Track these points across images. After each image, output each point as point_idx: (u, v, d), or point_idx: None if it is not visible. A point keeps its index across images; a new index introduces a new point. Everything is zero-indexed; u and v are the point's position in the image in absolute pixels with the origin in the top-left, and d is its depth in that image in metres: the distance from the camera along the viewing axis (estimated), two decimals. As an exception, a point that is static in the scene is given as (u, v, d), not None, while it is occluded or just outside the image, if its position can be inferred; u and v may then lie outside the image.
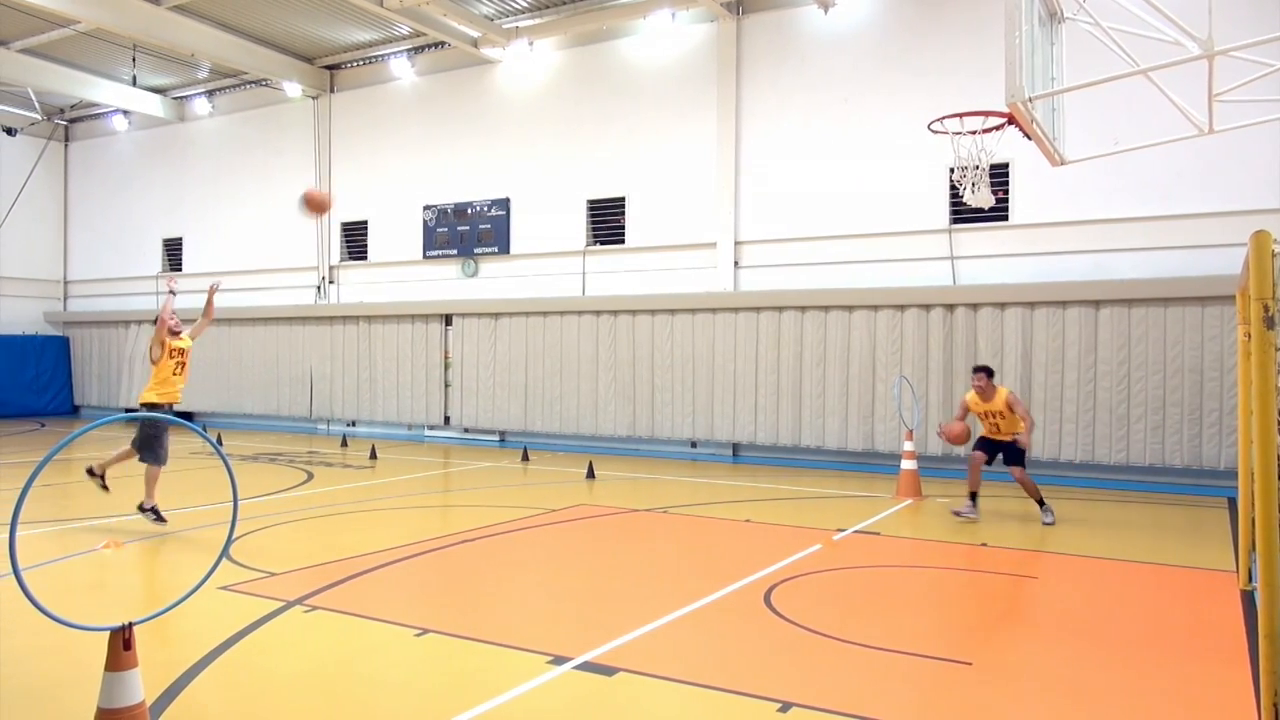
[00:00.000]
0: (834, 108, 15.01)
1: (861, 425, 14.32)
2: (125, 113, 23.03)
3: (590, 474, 13.07)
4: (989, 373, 9.89)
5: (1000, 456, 9.81)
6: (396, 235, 19.56)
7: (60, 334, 24.43)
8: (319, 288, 20.53)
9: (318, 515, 9.97)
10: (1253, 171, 12.14)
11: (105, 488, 9.21)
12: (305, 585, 6.75)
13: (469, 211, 18.53)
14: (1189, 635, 5.86)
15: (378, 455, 15.58)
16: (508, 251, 18.12)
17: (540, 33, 17.24)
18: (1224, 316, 12.05)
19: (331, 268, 20.50)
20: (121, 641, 3.78)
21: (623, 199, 16.96)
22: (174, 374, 9.03)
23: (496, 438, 18.15)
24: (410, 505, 10.82)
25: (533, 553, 8.31)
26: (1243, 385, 7.45)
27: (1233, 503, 10.74)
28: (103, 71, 20.97)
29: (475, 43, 17.70)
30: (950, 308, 13.81)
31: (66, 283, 25.12)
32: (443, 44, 18.16)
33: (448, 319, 18.58)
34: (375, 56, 19.58)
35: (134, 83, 21.27)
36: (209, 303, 9.49)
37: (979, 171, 9.52)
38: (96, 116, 23.85)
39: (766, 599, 6.50)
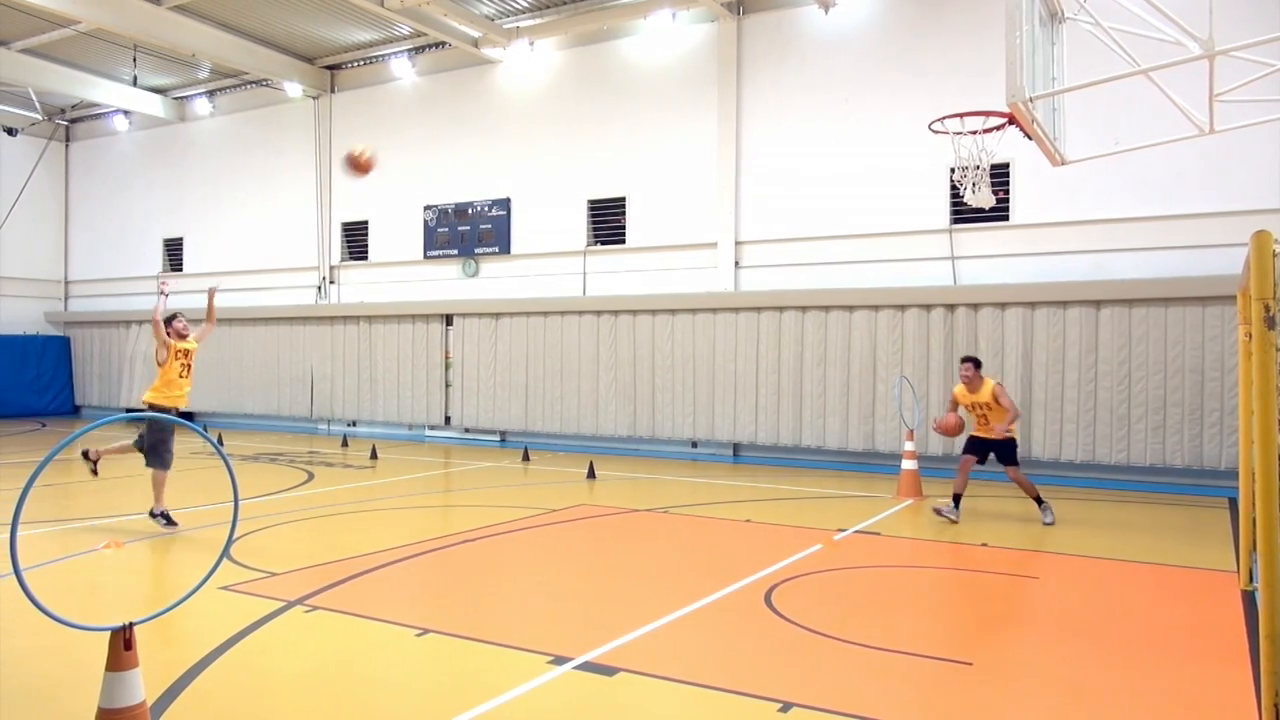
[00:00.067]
0: (834, 107, 15.01)
1: (862, 425, 14.31)
2: (126, 113, 23.03)
3: (591, 474, 13.07)
4: (976, 364, 9.86)
5: (993, 457, 9.78)
6: (397, 235, 19.56)
7: (61, 334, 24.44)
8: (320, 288, 20.54)
9: (318, 515, 9.97)
10: (1253, 171, 12.13)
11: (95, 472, 9.28)
12: (306, 585, 6.75)
13: (470, 211, 18.53)
14: (1190, 635, 5.86)
15: (378, 455, 15.58)
16: (508, 251, 18.12)
17: (541, 33, 17.24)
18: (1225, 316, 12.04)
19: (332, 268, 20.51)
20: (122, 641, 3.78)
21: (623, 199, 16.96)
22: (180, 376, 9.02)
23: (497, 438, 18.15)
24: (411, 505, 10.82)
25: (533, 553, 8.31)
26: (1243, 385, 7.45)
27: (1233, 503, 10.74)
28: (103, 72, 20.98)
29: (476, 43, 17.70)
30: (951, 308, 13.80)
31: (67, 283, 25.13)
32: (443, 44, 18.16)
33: (448, 319, 18.59)
34: (376, 56, 19.59)
35: (135, 83, 21.28)
36: (210, 306, 9.50)
37: (980, 171, 9.52)
38: (97, 116, 23.86)
39: (767, 599, 6.50)
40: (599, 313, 16.68)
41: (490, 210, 18.29)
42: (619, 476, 13.23)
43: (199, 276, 22.47)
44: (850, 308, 14.48)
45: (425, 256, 19.14)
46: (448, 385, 18.57)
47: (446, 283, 18.94)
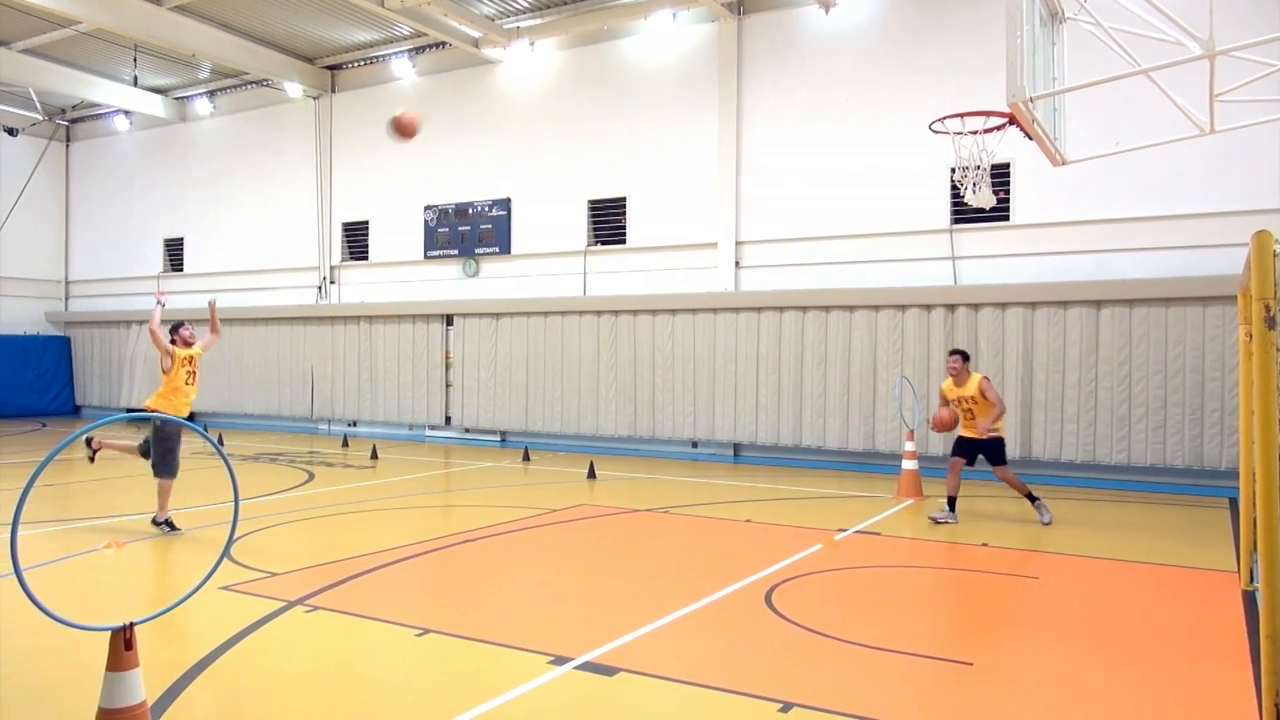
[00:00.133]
0: (835, 107, 15.01)
1: (862, 425, 14.31)
2: (126, 113, 23.04)
3: (591, 474, 13.07)
4: (964, 356, 9.81)
5: (981, 458, 9.73)
6: (397, 235, 19.56)
7: (61, 334, 24.44)
8: (320, 288, 20.54)
9: (319, 515, 9.97)
10: (1254, 171, 12.13)
11: (91, 459, 9.34)
12: (306, 585, 6.76)
13: (470, 211, 18.54)
14: (1190, 636, 5.86)
15: (379, 455, 15.59)
16: (509, 251, 18.12)
17: (541, 33, 17.24)
18: (1225, 316, 12.04)
19: (333, 268, 20.51)
20: (123, 641, 3.78)
21: (624, 199, 16.96)
22: (185, 384, 8.99)
23: (497, 438, 18.15)
24: (411, 505, 10.82)
25: (534, 553, 8.31)
26: (1244, 385, 7.45)
27: (1234, 503, 10.73)
28: (104, 72, 20.98)
29: (476, 43, 17.70)
30: (951, 308, 13.80)
31: (68, 283, 25.14)
32: (444, 44, 18.16)
33: (449, 319, 18.59)
34: (376, 57, 19.59)
35: (135, 83, 21.28)
36: (213, 318, 9.51)
37: (980, 171, 9.52)
38: (98, 117, 23.87)
39: (767, 599, 6.50)
40: (599, 313, 16.68)
41: (491, 210, 18.29)
42: (619, 476, 13.23)
43: (199, 276, 22.51)
44: (851, 308, 14.47)
45: (425, 256, 19.14)
46: (448, 385, 18.57)
47: (447, 283, 18.94)
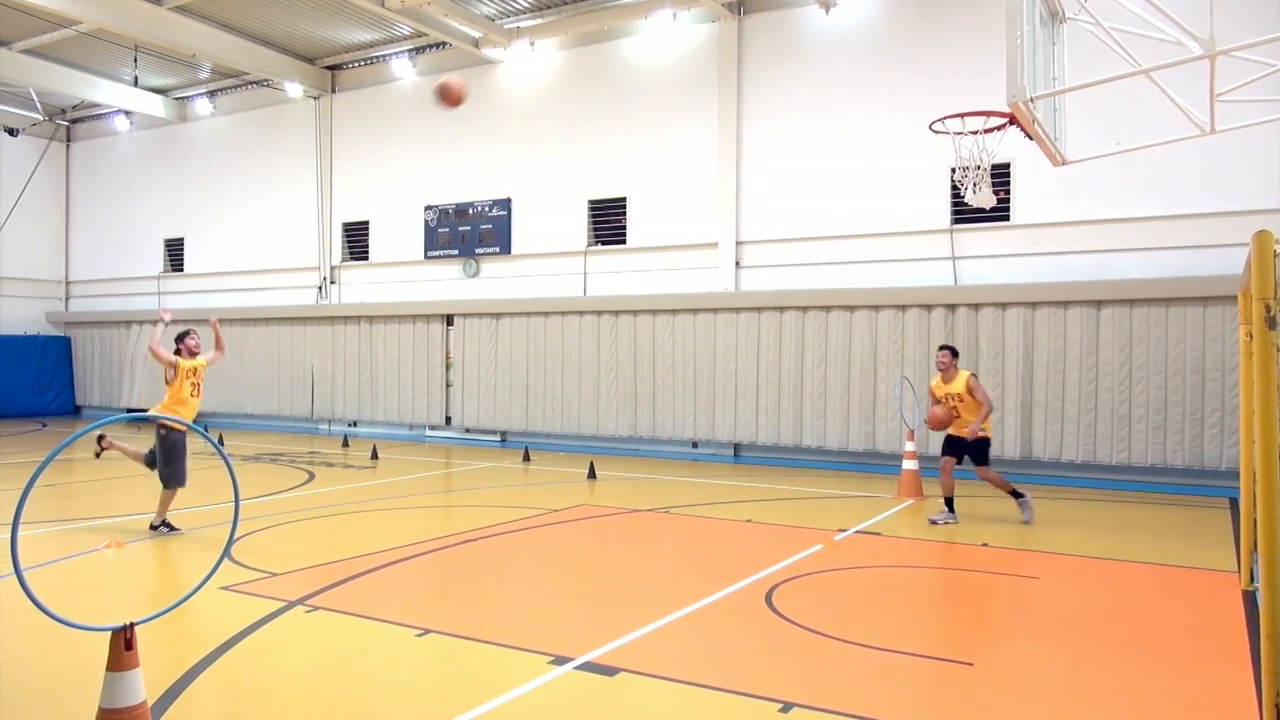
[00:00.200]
0: (835, 108, 15.01)
1: (863, 425, 14.31)
2: (127, 113, 23.04)
3: (591, 474, 13.07)
4: (954, 352, 9.81)
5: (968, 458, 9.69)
6: (398, 235, 19.56)
7: (62, 334, 24.45)
8: (320, 288, 20.55)
9: (319, 515, 9.98)
10: (1254, 171, 12.13)
11: (97, 455, 9.33)
12: (306, 585, 6.76)
13: (470, 212, 18.54)
14: (1190, 636, 5.86)
15: (379, 455, 15.59)
16: (509, 252, 18.12)
17: (541, 33, 17.24)
18: (1225, 317, 12.04)
19: (333, 268, 20.51)
20: (123, 641, 3.78)
21: (624, 199, 16.96)
22: (190, 395, 8.96)
23: (498, 438, 18.15)
24: (412, 505, 10.82)
25: (534, 553, 8.31)
26: (1244, 385, 7.45)
27: (1234, 503, 10.73)
28: (104, 72, 20.99)
29: (476, 43, 17.70)
30: (952, 308, 13.80)
31: (68, 283, 25.15)
32: (444, 44, 18.16)
33: (449, 319, 18.59)
34: (376, 57, 19.59)
35: (135, 83, 21.29)
36: (216, 338, 9.50)
37: (980, 171, 9.52)
38: (98, 117, 23.87)
39: (768, 599, 6.50)
40: (599, 313, 16.68)
41: (491, 210, 18.29)
42: (619, 477, 13.23)
43: (199, 276, 22.52)
44: (851, 308, 14.47)
45: (426, 257, 19.14)
46: (448, 385, 18.57)
47: (447, 283, 18.94)
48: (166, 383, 8.85)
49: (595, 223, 17.31)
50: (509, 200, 18.12)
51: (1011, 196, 13.56)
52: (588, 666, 5.06)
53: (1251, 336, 4.20)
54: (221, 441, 17.23)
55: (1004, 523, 9.76)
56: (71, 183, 25.09)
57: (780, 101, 15.47)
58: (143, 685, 3.86)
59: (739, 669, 5.13)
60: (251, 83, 21.04)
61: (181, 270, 22.87)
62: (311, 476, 13.03)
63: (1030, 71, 6.88)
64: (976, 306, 13.63)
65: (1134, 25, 7.35)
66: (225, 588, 6.60)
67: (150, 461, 8.89)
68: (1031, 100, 6.93)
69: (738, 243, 15.77)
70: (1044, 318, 13.21)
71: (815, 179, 15.09)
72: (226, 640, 5.45)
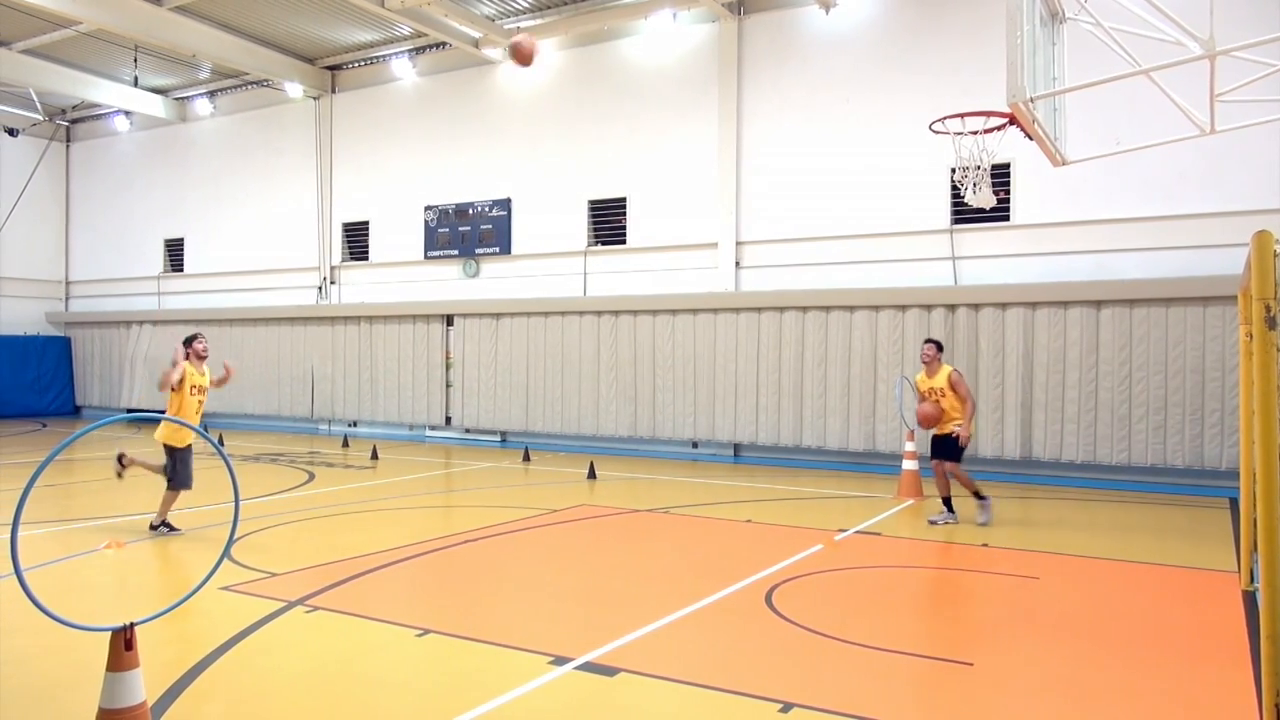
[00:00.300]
0: (835, 108, 15.00)
1: (863, 425, 14.31)
2: (127, 113, 23.05)
3: (591, 474, 13.07)
4: (938, 346, 9.80)
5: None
6: (398, 236, 19.57)
7: (62, 334, 24.45)
8: (320, 288, 20.55)
9: (319, 515, 9.98)
10: (1254, 172, 12.12)
11: (120, 475, 9.12)
12: (306, 585, 6.76)
13: (470, 212, 18.54)
14: (1190, 636, 5.85)
15: (379, 455, 15.59)
16: (509, 252, 18.12)
17: (541, 33, 17.22)
18: (1225, 317, 12.03)
19: (333, 268, 20.51)
20: (123, 642, 3.78)
21: (624, 199, 16.96)
22: (194, 412, 8.95)
23: (498, 438, 18.15)
24: (412, 505, 10.82)
25: (534, 553, 8.31)
26: (1244, 385, 7.45)
27: (1234, 503, 10.73)
28: (104, 72, 20.99)
29: (476, 43, 17.71)
30: (952, 308, 13.80)
31: (68, 283, 25.15)
32: (444, 44, 18.16)
33: (449, 319, 18.59)
34: (376, 57, 19.59)
35: (135, 83, 21.29)
36: (225, 377, 9.45)
37: (980, 172, 9.51)
38: (98, 117, 23.87)
39: (768, 599, 6.50)
40: (599, 313, 16.68)
41: (491, 210, 18.29)
42: (619, 477, 13.23)
43: (200, 277, 22.52)
44: (851, 308, 14.47)
45: (426, 257, 19.14)
46: (448, 385, 18.57)
47: (447, 283, 18.94)
48: (173, 390, 8.79)
49: (595, 223, 17.31)
50: (509, 200, 18.12)
51: (1011, 196, 13.56)
52: (587, 666, 5.06)
53: (1251, 336, 4.20)
54: (221, 441, 17.23)
55: (1004, 523, 9.76)
56: (71, 183, 25.09)
57: (780, 101, 15.47)
58: (143, 685, 3.86)
59: (739, 669, 5.13)
60: (251, 83, 21.04)
61: (181, 270, 22.88)
62: (311, 477, 13.04)
63: (1030, 71, 6.88)
64: (976, 306, 13.62)
65: (1134, 25, 7.35)
66: (225, 588, 6.60)
67: (169, 472, 8.84)
68: (1031, 100, 6.93)
69: (738, 243, 15.76)
70: (1044, 318, 13.21)
71: (815, 179, 15.09)
72: (226, 640, 5.45)
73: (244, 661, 5.16)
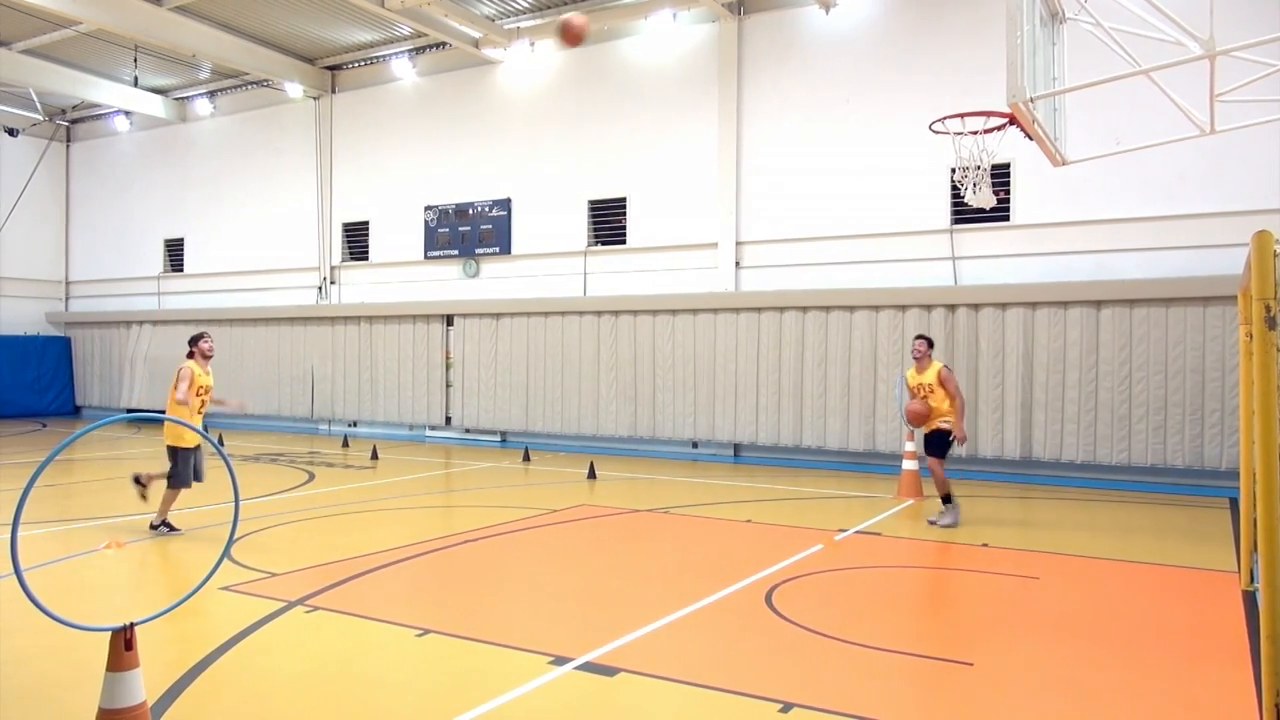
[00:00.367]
0: (835, 108, 15.00)
1: (863, 425, 14.31)
2: (127, 113, 23.04)
3: (591, 474, 13.07)
4: (929, 342, 9.82)
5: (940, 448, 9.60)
6: (398, 236, 19.57)
7: (62, 334, 24.45)
8: (320, 288, 20.55)
9: (319, 516, 9.97)
10: (1255, 172, 12.12)
11: (144, 497, 8.97)
12: (307, 585, 6.76)
13: (470, 212, 18.54)
14: (1190, 636, 5.85)
15: (379, 455, 15.59)
16: (509, 252, 18.12)
17: (542, 33, 17.24)
18: (1226, 317, 12.03)
19: (333, 268, 20.51)
20: (123, 642, 3.78)
21: (624, 199, 16.96)
22: (198, 411, 8.94)
23: (498, 438, 18.15)
24: (412, 506, 10.82)
25: (534, 553, 8.31)
26: (1244, 386, 7.45)
27: (1234, 503, 10.73)
28: (104, 72, 20.99)
29: (476, 43, 17.70)
30: (952, 308, 13.80)
31: (68, 283, 25.15)
32: (444, 44, 18.16)
33: (449, 319, 18.59)
34: (376, 57, 19.59)
35: (135, 83, 21.29)
36: (227, 403, 9.40)
37: (980, 172, 9.52)
38: (98, 117, 23.87)
39: (768, 599, 6.50)
40: (599, 313, 16.68)
41: (491, 210, 18.29)
42: (619, 477, 13.23)
43: (200, 277, 22.52)
44: (851, 308, 14.47)
45: (426, 257, 19.14)
46: (448, 385, 18.57)
47: (447, 283, 18.95)
48: (179, 398, 8.74)
49: (595, 223, 17.31)
50: (509, 200, 18.12)
51: (1011, 196, 13.56)
52: (588, 666, 5.06)
53: (1251, 336, 4.20)
54: (221, 441, 17.23)
55: (1004, 523, 9.77)
56: (71, 183, 25.09)
57: (780, 101, 15.47)
58: (143, 685, 3.86)
59: (739, 669, 5.13)
60: (251, 83, 21.04)
61: (181, 270, 22.88)
62: (311, 477, 13.04)
63: (1030, 71, 6.88)
64: (976, 306, 13.62)
65: (1134, 25, 7.35)
66: (225, 588, 6.60)
67: (188, 475, 8.80)
68: (1031, 100, 6.93)
69: (738, 243, 15.77)
70: (1044, 318, 13.21)
71: (815, 179, 15.09)
72: (226, 640, 5.45)
73: (244, 661, 5.16)
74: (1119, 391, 12.70)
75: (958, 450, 13.09)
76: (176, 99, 22.54)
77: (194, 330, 9.77)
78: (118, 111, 23.01)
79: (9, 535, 3.63)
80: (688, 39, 16.34)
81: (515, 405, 17.58)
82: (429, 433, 19.00)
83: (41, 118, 23.23)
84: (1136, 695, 4.78)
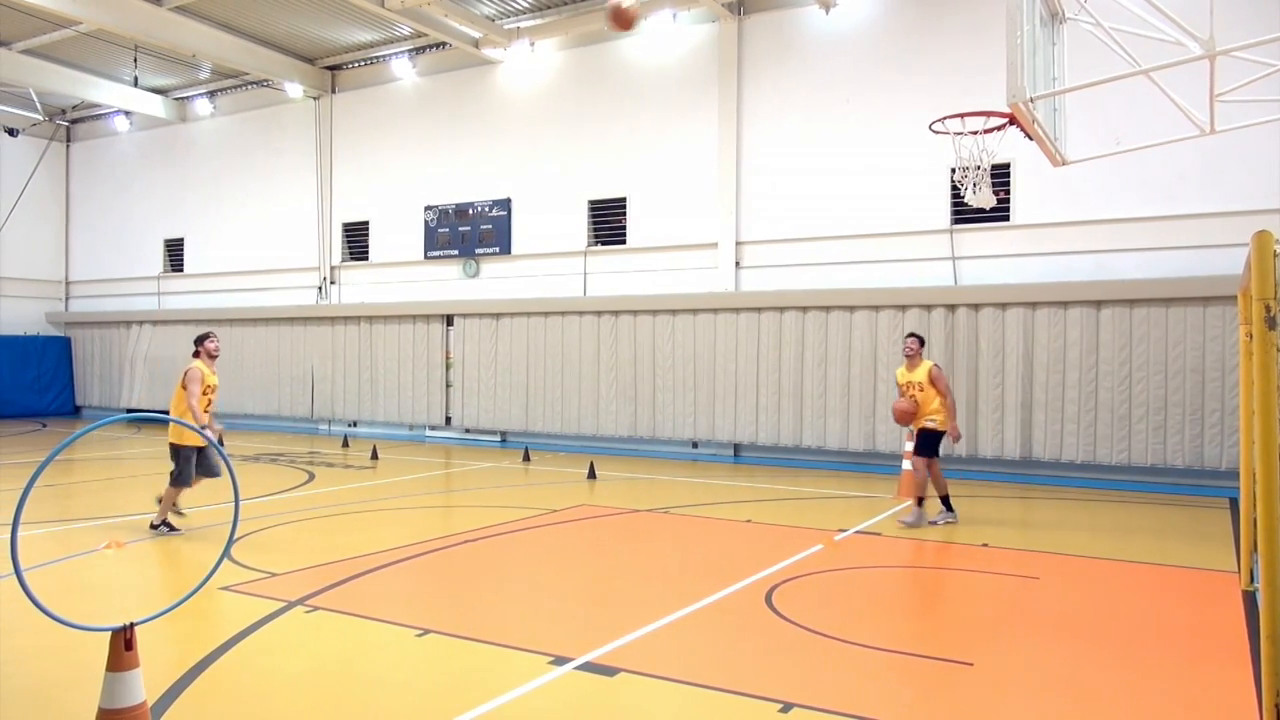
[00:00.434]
0: (835, 108, 15.00)
1: (863, 425, 14.31)
2: (127, 113, 23.04)
3: (591, 474, 13.07)
4: (920, 340, 9.80)
5: (933, 449, 9.56)
6: (398, 236, 19.57)
7: (62, 334, 24.45)
8: (320, 288, 20.55)
9: (319, 516, 9.98)
10: (1254, 172, 12.12)
11: (174, 527, 8.83)
12: (306, 585, 6.76)
13: (470, 212, 18.54)
14: (1190, 636, 5.85)
15: (379, 455, 15.59)
16: (509, 252, 18.12)
17: (541, 33, 17.24)
18: (1225, 317, 12.03)
19: (333, 268, 20.51)
20: (123, 642, 3.78)
21: (624, 199, 16.96)
22: (204, 410, 8.93)
23: (498, 438, 18.15)
24: (412, 505, 10.82)
25: (534, 553, 8.31)
26: (1244, 386, 7.45)
27: (1234, 503, 10.73)
28: (104, 72, 20.99)
29: (476, 43, 17.70)
30: (952, 308, 13.80)
31: (68, 283, 25.15)
32: (444, 45, 18.16)
33: (449, 319, 18.59)
34: (376, 57, 19.59)
35: (135, 83, 21.29)
36: (211, 427, 9.34)
37: (980, 172, 9.51)
38: (98, 117, 23.87)
39: (768, 599, 6.50)
40: (599, 313, 16.68)
41: (491, 211, 18.29)
42: (619, 477, 13.23)
43: (200, 277, 22.52)
44: (851, 308, 14.47)
45: (426, 257, 19.14)
46: (448, 385, 18.57)
47: (447, 283, 18.94)
48: (183, 389, 8.73)
49: (595, 223, 17.31)
50: (509, 200, 18.12)
51: (1011, 196, 13.56)
52: (588, 666, 5.06)
53: (1251, 336, 4.20)
54: (221, 441, 17.21)
55: (1004, 523, 9.77)
56: (71, 183, 25.09)
57: (780, 102, 15.47)
58: (143, 685, 3.86)
59: (739, 669, 5.13)
60: (251, 83, 21.04)
61: (181, 270, 22.88)
62: (311, 477, 13.03)
63: (1030, 72, 6.88)
64: (976, 306, 13.62)
65: (1134, 25, 7.35)
66: (225, 588, 6.60)
67: (194, 474, 8.78)
68: (1031, 100, 6.93)
69: (738, 243, 15.77)
70: (1044, 318, 13.21)
71: (815, 179, 15.09)
72: (226, 640, 5.45)
73: (244, 661, 5.16)
74: (1119, 391, 12.70)
75: (957, 450, 13.16)
76: (176, 99, 22.54)
77: (194, 330, 9.75)
78: (118, 111, 23.00)
79: (9, 535, 3.63)
80: (688, 39, 16.34)
81: (515, 405, 17.58)
82: (429, 433, 19.00)
83: (41, 118, 23.23)
84: (1136, 695, 4.78)
